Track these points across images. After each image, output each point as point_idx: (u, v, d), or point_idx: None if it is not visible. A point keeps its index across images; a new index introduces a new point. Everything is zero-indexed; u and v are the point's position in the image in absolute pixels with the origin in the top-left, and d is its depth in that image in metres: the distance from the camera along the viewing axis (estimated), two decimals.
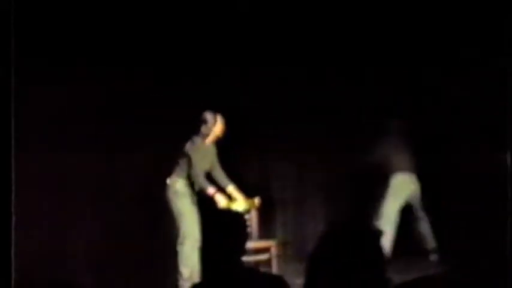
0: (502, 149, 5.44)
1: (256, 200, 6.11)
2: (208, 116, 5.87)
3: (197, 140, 5.86)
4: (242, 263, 2.80)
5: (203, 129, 5.87)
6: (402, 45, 6.90)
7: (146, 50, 6.10)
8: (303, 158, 7.28)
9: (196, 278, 5.32)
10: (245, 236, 2.86)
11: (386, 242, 6.17)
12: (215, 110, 5.90)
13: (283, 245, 6.54)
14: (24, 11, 4.06)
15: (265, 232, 6.55)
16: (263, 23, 6.70)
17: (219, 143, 6.03)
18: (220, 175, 6.03)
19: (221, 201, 5.72)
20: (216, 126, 5.88)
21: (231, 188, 6.00)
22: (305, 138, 7.14)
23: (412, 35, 6.84)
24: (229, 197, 5.90)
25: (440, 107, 6.98)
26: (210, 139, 5.92)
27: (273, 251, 6.25)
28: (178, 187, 5.78)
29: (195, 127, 5.87)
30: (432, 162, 6.92)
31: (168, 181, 5.82)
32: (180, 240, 5.70)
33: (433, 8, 6.58)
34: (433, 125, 6.97)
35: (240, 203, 5.90)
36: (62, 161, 5.64)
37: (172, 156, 5.87)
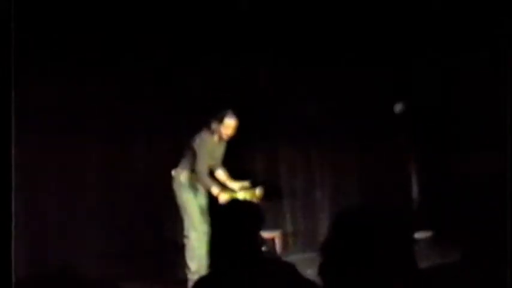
0: (502, 149, 5.48)
1: (257, 191, 5.82)
2: (224, 114, 5.64)
3: (205, 134, 5.67)
4: (254, 252, 2.74)
5: (213, 125, 5.67)
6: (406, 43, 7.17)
7: (155, 41, 6.06)
8: (312, 147, 7.25)
9: (204, 271, 5.27)
10: (256, 225, 2.79)
11: None
12: (224, 99, 5.85)
13: (287, 236, 6.50)
14: (24, 11, 4.08)
15: (269, 222, 6.51)
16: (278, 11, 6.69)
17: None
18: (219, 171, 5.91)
19: (223, 199, 5.49)
20: (223, 126, 5.63)
21: (221, 173, 5.86)
22: (314, 126, 7.13)
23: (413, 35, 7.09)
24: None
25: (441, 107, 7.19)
26: (218, 136, 5.70)
27: (277, 241, 6.24)
28: (182, 179, 5.66)
29: (204, 119, 5.74)
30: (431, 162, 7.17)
31: (173, 172, 5.71)
32: (185, 233, 5.62)
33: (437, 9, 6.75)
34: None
35: (240, 195, 5.67)
36: (66, 153, 5.63)
37: (179, 147, 5.80)
